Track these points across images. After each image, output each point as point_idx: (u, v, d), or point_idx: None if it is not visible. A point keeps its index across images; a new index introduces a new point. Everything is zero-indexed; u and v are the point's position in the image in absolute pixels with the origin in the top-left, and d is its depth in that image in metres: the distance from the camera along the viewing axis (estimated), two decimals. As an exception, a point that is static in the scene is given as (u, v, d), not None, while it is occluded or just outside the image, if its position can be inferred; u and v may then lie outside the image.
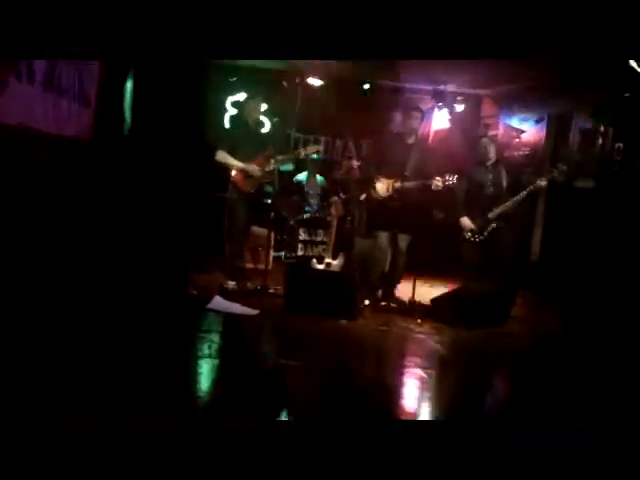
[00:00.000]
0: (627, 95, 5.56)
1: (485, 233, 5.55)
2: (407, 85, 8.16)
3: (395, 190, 5.47)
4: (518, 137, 7.62)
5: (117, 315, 4.07)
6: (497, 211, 5.52)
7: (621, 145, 5.71)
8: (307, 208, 7.16)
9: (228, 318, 4.66)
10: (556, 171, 5.44)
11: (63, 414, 2.55)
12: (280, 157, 5.71)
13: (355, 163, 7.37)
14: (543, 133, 7.21)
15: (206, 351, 3.80)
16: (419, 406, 3.38)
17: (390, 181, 5.48)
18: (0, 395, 2.64)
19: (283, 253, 6.89)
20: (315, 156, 7.25)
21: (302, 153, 6.00)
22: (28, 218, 4.14)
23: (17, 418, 2.40)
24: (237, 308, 4.85)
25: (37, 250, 4.23)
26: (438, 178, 5.24)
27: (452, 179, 5.23)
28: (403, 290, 5.71)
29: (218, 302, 4.89)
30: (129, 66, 6.08)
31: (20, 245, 4.05)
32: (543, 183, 5.39)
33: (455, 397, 3.56)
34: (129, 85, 6.19)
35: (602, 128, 6.06)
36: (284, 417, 2.99)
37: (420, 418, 3.16)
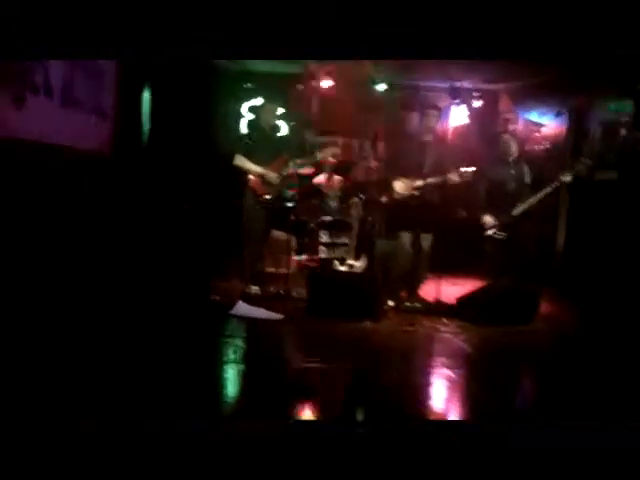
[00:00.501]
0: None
1: (509, 230, 5.46)
2: (423, 83, 8.11)
3: (416, 189, 5.42)
4: (538, 131, 7.52)
5: (141, 325, 4.10)
6: (521, 208, 5.43)
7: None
8: (327, 210, 7.13)
9: (252, 323, 4.66)
10: (580, 165, 5.33)
11: (84, 415, 2.64)
12: (298, 160, 5.70)
13: (373, 164, 7.32)
14: (564, 127, 7.09)
15: (231, 356, 3.80)
16: (445, 406, 3.34)
17: (410, 180, 5.44)
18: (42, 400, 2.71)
19: (304, 256, 6.87)
20: (332, 158, 7.21)
21: (319, 156, 5.98)
22: (50, 233, 4.17)
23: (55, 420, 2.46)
24: (261, 313, 4.84)
25: (59, 263, 4.25)
26: (454, 172, 5.19)
27: (468, 171, 5.16)
28: (428, 290, 5.65)
29: (241, 307, 4.88)
30: (146, 77, 6.10)
31: (42, 259, 4.08)
32: (567, 178, 5.27)
33: (480, 397, 3.50)
34: (146, 96, 6.23)
35: (623, 119, 5.94)
36: (305, 417, 2.97)
37: (450, 418, 3.12)
